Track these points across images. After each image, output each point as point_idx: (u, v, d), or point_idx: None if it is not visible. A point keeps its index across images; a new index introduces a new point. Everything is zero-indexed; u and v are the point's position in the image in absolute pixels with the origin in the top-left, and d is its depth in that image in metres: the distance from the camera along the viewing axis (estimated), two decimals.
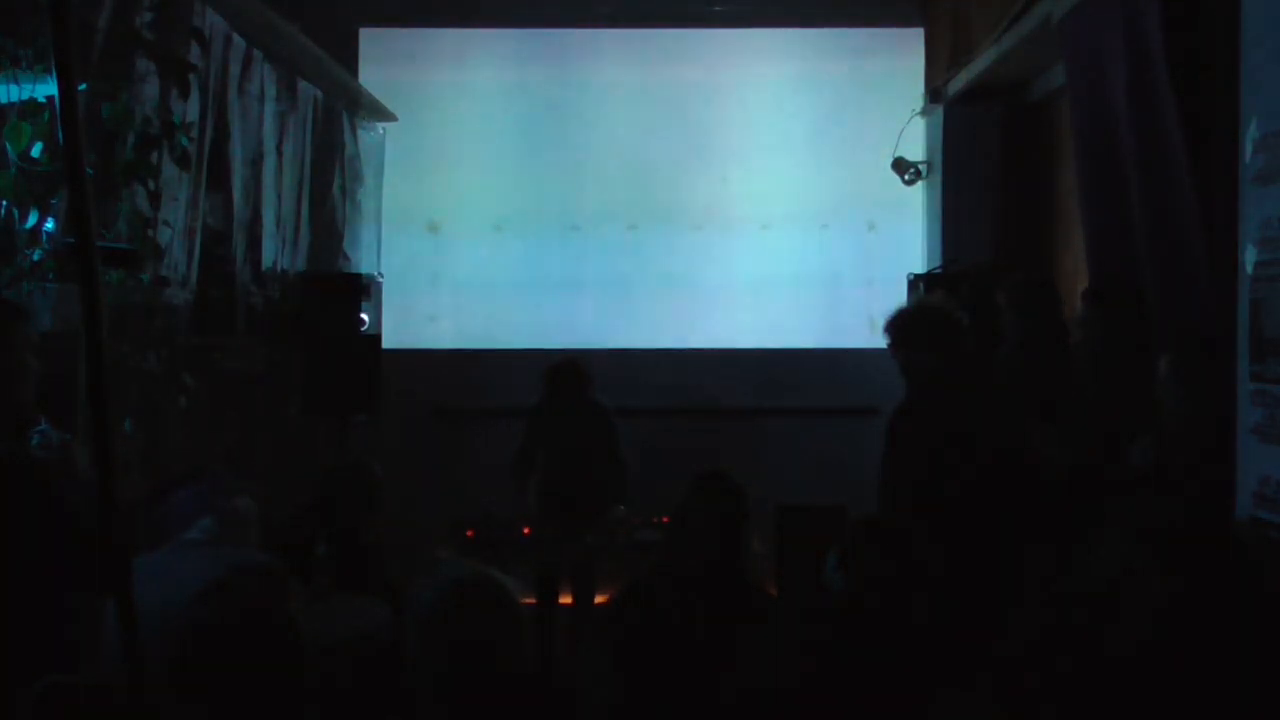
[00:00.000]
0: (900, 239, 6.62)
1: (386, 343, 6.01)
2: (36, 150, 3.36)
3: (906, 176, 6.46)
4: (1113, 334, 3.74)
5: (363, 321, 5.82)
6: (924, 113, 6.50)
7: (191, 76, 4.18)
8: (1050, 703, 2.17)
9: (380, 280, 6.42)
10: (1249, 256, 2.63)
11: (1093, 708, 2.10)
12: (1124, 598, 2.10)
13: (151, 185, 3.97)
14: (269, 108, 5.20)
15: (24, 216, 3.38)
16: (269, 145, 5.24)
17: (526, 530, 5.10)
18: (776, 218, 6.71)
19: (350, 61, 6.46)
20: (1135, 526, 2.27)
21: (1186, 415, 3.03)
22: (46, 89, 3.31)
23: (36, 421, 2.62)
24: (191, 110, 4.26)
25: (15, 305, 2.70)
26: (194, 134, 4.28)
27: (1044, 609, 2.87)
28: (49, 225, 3.44)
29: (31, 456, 2.52)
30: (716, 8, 6.64)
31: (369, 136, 6.53)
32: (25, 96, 3.31)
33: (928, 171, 6.48)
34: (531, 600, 5.19)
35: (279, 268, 5.48)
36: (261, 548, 2.87)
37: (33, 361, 2.58)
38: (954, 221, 6.22)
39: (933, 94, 6.40)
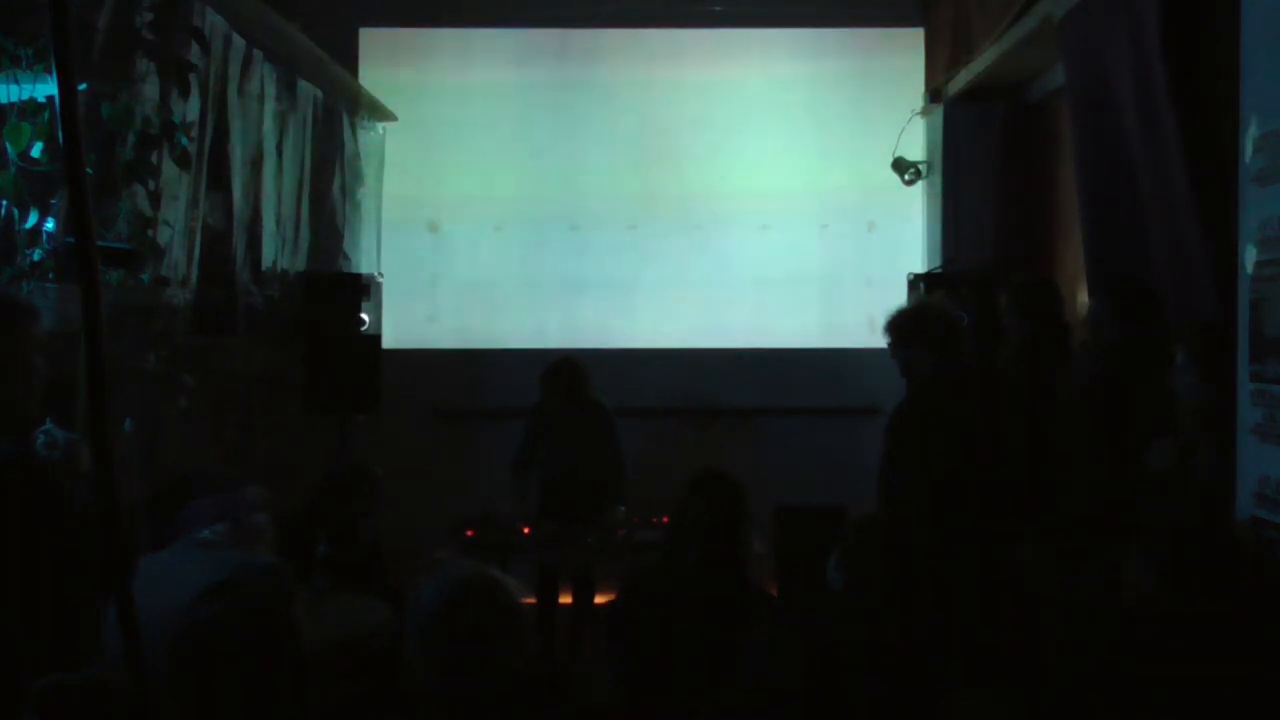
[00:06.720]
0: (900, 239, 6.61)
1: (386, 343, 6.01)
2: (36, 150, 3.35)
3: (906, 176, 6.46)
4: (1123, 332, 3.72)
5: (363, 321, 5.82)
6: (924, 113, 6.50)
7: (191, 76, 4.17)
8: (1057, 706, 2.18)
9: (380, 280, 6.41)
10: (1249, 256, 2.63)
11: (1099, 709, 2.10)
12: (1144, 613, 2.10)
13: (151, 185, 3.97)
14: (269, 108, 5.20)
15: (24, 216, 3.37)
16: (269, 145, 5.23)
17: (526, 530, 5.09)
18: (776, 218, 6.70)
19: (350, 61, 6.45)
20: (1156, 539, 2.27)
21: (1203, 411, 3.02)
22: (46, 89, 3.30)
23: (41, 421, 2.61)
24: (191, 110, 4.26)
25: (25, 305, 2.68)
26: (194, 134, 4.27)
27: (1063, 618, 2.87)
28: (49, 225, 3.44)
29: (37, 456, 2.51)
30: (716, 8, 6.63)
31: (369, 136, 6.53)
32: (25, 96, 3.31)
33: (928, 171, 6.48)
34: (531, 600, 5.19)
35: (279, 268, 5.48)
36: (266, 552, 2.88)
37: (40, 362, 2.58)
38: (954, 221, 6.22)
39: (933, 94, 6.39)
